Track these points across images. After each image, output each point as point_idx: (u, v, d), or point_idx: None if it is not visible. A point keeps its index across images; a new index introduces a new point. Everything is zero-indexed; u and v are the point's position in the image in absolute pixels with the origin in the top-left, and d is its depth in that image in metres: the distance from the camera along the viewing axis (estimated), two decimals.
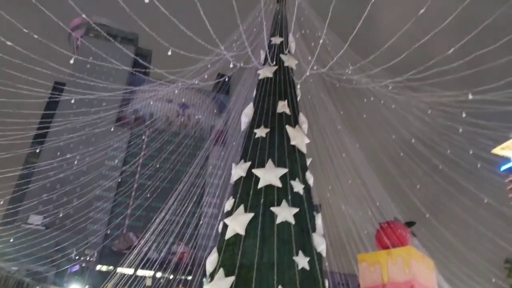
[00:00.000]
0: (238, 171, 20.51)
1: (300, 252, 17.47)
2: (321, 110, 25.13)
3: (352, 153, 24.68)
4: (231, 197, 20.33)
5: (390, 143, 27.90)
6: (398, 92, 22.77)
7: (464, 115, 20.39)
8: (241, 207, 18.90)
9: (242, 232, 18.07)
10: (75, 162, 33.94)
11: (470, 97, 17.71)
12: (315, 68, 23.59)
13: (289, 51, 24.83)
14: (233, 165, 21.32)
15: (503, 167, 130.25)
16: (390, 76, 21.44)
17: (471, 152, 24.24)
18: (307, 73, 23.42)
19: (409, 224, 20.48)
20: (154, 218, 26.99)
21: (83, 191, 46.32)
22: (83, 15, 18.62)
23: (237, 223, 18.39)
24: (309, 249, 17.98)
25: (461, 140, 23.31)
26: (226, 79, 29.92)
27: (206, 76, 22.61)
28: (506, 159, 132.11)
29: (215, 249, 19.03)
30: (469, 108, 20.11)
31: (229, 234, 18.55)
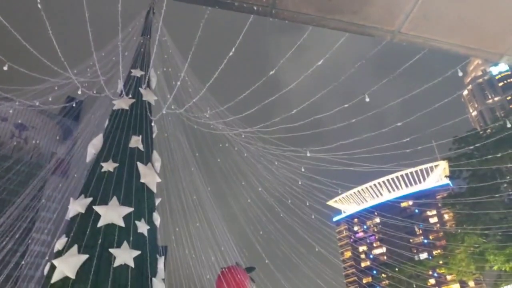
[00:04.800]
0: (76, 206, 18.58)
1: None
2: (176, 150, 24.86)
3: (202, 196, 24.79)
4: (64, 235, 18.19)
5: (240, 189, 28.99)
6: (250, 141, 24.10)
7: (303, 169, 22.62)
8: (75, 247, 17.00)
9: (72, 275, 16.14)
10: None
11: (308, 154, 19.78)
12: (172, 107, 23.50)
13: (149, 86, 24.32)
14: (71, 199, 19.27)
15: (335, 218, 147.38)
16: (244, 125, 22.63)
17: (307, 203, 26.78)
18: (163, 111, 23.12)
19: (249, 269, 21.08)
20: None
21: None
22: None
23: (67, 265, 16.40)
24: None
25: (300, 192, 25.63)
26: (75, 105, 27.52)
27: (50, 99, 20.41)
28: (338, 211, 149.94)
29: None
30: (308, 164, 22.38)
31: (56, 277, 16.42)
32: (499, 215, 38.70)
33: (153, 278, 17.80)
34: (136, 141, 21.12)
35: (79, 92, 19.01)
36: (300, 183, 24.24)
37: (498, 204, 38.63)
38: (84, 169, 21.43)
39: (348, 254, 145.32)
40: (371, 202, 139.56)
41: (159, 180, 21.50)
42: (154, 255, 18.75)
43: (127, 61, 24.16)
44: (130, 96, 22.67)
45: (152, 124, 23.19)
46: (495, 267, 44.47)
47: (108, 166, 19.70)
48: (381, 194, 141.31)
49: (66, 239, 17.81)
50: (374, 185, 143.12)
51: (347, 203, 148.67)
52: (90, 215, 17.89)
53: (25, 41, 15.47)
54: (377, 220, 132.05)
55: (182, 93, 23.09)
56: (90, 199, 18.62)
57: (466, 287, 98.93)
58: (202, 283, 22.12)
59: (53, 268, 16.81)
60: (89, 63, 21.77)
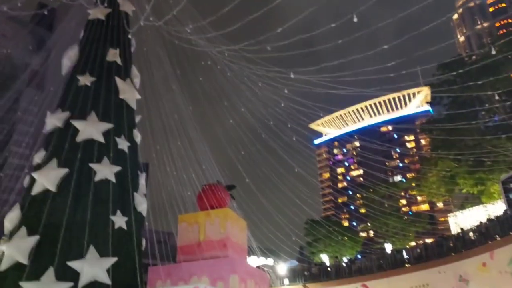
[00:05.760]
0: (53, 120, 18.14)
1: (118, 212, 16.67)
2: (156, 66, 23.96)
3: (183, 114, 24.46)
4: (42, 149, 17.97)
5: (222, 109, 28.73)
6: (233, 60, 23.31)
7: (286, 91, 22.34)
8: (54, 161, 16.89)
9: (52, 188, 16.22)
10: None
11: (292, 75, 19.36)
12: (151, 19, 22.13)
13: None
14: (48, 113, 18.74)
15: (316, 141, 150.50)
16: (228, 43, 21.71)
17: (289, 125, 26.95)
18: (141, 23, 21.80)
19: (230, 187, 21.59)
20: None
21: None
22: None
23: (47, 178, 16.39)
24: (128, 209, 17.29)
25: (283, 114, 25.64)
26: (46, 13, 25.58)
27: (19, 4, 18.83)
28: (319, 134, 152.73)
29: (17, 205, 16.71)
30: (291, 86, 22.06)
31: (36, 189, 16.49)
32: (474, 141, 39.97)
33: (135, 193, 18.08)
34: (113, 55, 20.14)
35: None
36: (282, 105, 24.12)
37: (473, 131, 39.68)
38: (60, 82, 20.58)
39: (326, 175, 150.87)
40: (352, 126, 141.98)
41: (138, 96, 20.94)
42: (135, 171, 18.87)
43: None
44: (106, 5, 21.16)
45: (130, 36, 21.98)
46: (464, 190, 47.02)
47: (85, 79, 18.94)
48: (362, 119, 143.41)
49: (44, 152, 17.62)
50: (357, 109, 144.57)
51: (329, 127, 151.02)
52: (68, 129, 17.55)
53: None
54: (357, 143, 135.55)
55: (162, 4, 21.65)
56: (68, 113, 18.15)
57: (435, 207, 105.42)
58: (183, 199, 22.68)
59: (33, 181, 16.81)
60: None
